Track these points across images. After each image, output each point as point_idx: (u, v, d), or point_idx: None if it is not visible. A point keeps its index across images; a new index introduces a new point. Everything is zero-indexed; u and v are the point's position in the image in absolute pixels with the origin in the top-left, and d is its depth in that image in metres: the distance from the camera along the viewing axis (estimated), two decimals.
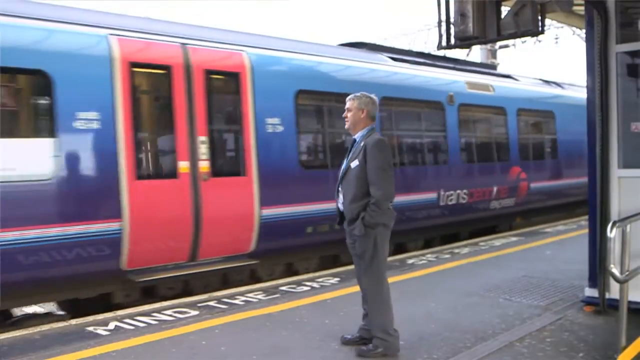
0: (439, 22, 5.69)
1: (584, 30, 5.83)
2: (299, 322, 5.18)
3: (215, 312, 5.57)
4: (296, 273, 7.91)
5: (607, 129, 5.25)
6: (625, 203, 5.17)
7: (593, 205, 5.36)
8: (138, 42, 6.43)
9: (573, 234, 10.29)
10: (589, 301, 5.43)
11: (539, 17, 5.34)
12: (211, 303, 5.95)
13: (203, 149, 6.68)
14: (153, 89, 6.78)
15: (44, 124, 5.77)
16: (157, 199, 6.31)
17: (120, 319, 5.42)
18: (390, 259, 9.35)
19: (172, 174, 6.50)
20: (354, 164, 4.23)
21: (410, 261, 8.09)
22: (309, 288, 6.54)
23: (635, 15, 5.55)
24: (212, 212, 6.68)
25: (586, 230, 5.64)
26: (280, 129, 7.50)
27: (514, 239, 10.00)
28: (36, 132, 5.80)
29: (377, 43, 10.80)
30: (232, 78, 7.17)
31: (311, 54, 8.31)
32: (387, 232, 4.23)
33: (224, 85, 7.28)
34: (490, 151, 11.07)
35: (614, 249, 4.01)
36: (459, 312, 5.44)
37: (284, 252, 7.80)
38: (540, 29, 5.38)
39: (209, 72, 6.88)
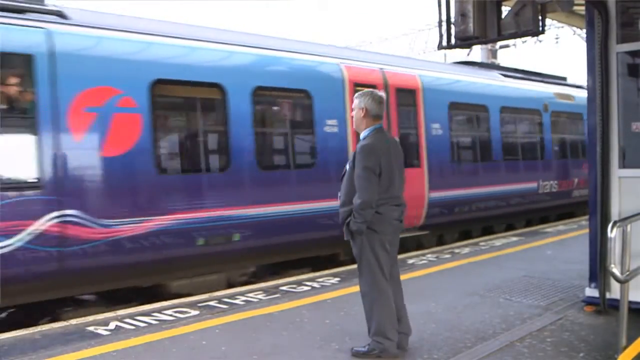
0: (440, 22, 5.69)
1: (584, 30, 5.83)
2: (299, 322, 5.18)
3: (216, 312, 5.57)
4: (444, 243, 10.31)
5: (607, 129, 5.24)
6: (626, 203, 5.17)
7: (593, 205, 5.36)
8: (356, 69, 8.83)
9: (573, 233, 10.29)
10: (589, 301, 5.43)
11: (540, 17, 5.34)
12: (211, 303, 5.95)
13: None
14: None
15: (307, 126, 8.15)
16: None
17: (120, 318, 5.43)
18: None
19: None
20: (347, 167, 4.21)
21: (410, 261, 8.09)
22: (309, 288, 6.54)
23: (636, 15, 5.55)
24: None
25: (586, 230, 5.64)
26: (440, 132, 9.97)
27: (514, 239, 10.00)
28: (305, 133, 8.20)
29: (485, 62, 14.22)
30: (412, 94, 9.61)
31: (456, 74, 11.10)
32: (380, 237, 4.14)
33: (406, 99, 9.55)
34: (573, 149, 13.57)
35: (615, 248, 4.00)
36: (459, 312, 5.44)
37: (440, 226, 10.10)
38: (540, 29, 5.38)
39: (398, 90, 9.30)
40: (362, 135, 4.29)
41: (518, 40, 20.34)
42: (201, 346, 4.56)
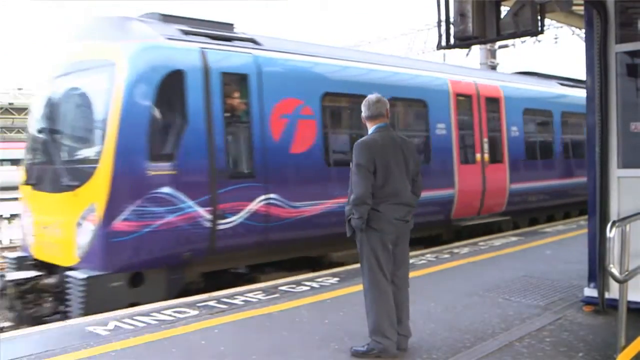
0: (439, 22, 5.68)
1: (583, 30, 5.83)
2: (298, 322, 5.18)
3: (215, 312, 5.57)
4: (518, 227, 12.00)
5: (606, 129, 5.24)
6: (625, 203, 5.17)
7: (592, 205, 5.36)
8: (457, 82, 10.74)
9: (572, 233, 10.29)
10: (588, 301, 5.43)
11: (539, 17, 5.34)
12: (211, 303, 5.95)
13: (486, 146, 11.07)
14: (464, 110, 10.80)
15: (424, 129, 10.04)
16: (468, 176, 10.57)
17: (119, 318, 5.42)
18: None
19: (474, 161, 10.84)
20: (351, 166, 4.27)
21: (409, 261, 8.07)
22: (308, 288, 6.54)
23: (635, 15, 5.55)
24: (490, 185, 11.00)
25: (586, 230, 5.65)
26: (517, 133, 11.88)
27: (513, 238, 10.00)
28: (423, 135, 10.06)
29: (546, 73, 15.09)
30: (496, 102, 11.53)
31: (527, 84, 12.92)
32: (380, 235, 4.16)
33: (492, 107, 11.43)
34: None
35: (614, 248, 4.00)
36: (458, 312, 5.44)
37: (516, 213, 11.90)
38: (539, 29, 5.38)
39: (486, 99, 11.26)
40: None
41: (517, 40, 20.35)
42: (200, 346, 4.56)
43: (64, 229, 6.85)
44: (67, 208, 6.80)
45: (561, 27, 21.04)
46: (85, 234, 6.53)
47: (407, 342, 4.37)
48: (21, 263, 7.57)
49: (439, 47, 5.84)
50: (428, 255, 8.52)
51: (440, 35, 5.71)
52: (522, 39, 17.32)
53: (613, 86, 5.26)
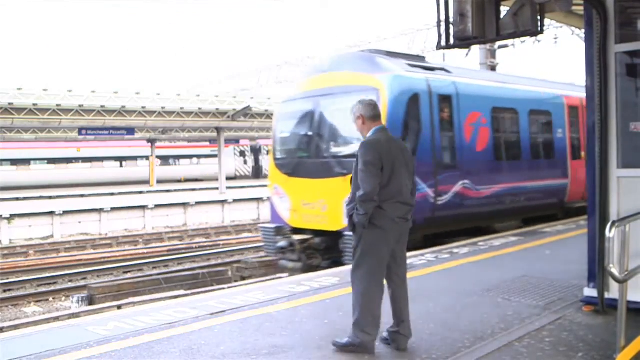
0: (439, 22, 5.68)
1: (583, 30, 5.83)
2: (298, 322, 5.18)
3: (215, 312, 5.57)
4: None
5: (606, 129, 5.25)
6: (625, 203, 5.17)
7: (592, 205, 5.37)
8: (569, 97, 13.54)
9: (572, 233, 10.29)
10: (588, 301, 5.44)
11: (538, 17, 5.34)
12: (210, 303, 5.95)
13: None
14: (574, 116, 13.58)
15: (549, 133, 13.02)
16: (577, 169, 13.15)
17: (119, 319, 5.43)
18: None
19: (580, 157, 13.33)
20: (354, 167, 4.32)
21: (409, 261, 8.06)
22: (308, 288, 6.54)
23: (635, 15, 5.56)
24: (573, 177, 13.26)
25: (585, 230, 5.65)
26: None
27: (513, 238, 10.00)
28: (548, 137, 13.03)
29: None
30: (579, 110, 13.87)
31: None
32: (382, 232, 4.21)
33: (575, 114, 13.80)
34: None
35: (613, 248, 4.00)
36: (458, 312, 5.44)
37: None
38: (539, 29, 5.38)
39: (570, 107, 13.58)
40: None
41: (517, 40, 20.36)
42: (200, 346, 4.56)
43: (333, 204, 9.33)
44: (336, 189, 9.21)
45: (561, 27, 21.06)
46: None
47: (407, 342, 4.39)
48: (279, 231, 10.25)
49: (439, 47, 5.85)
50: (428, 255, 8.52)
51: (440, 35, 5.71)
52: (522, 39, 17.33)
53: (613, 86, 5.26)
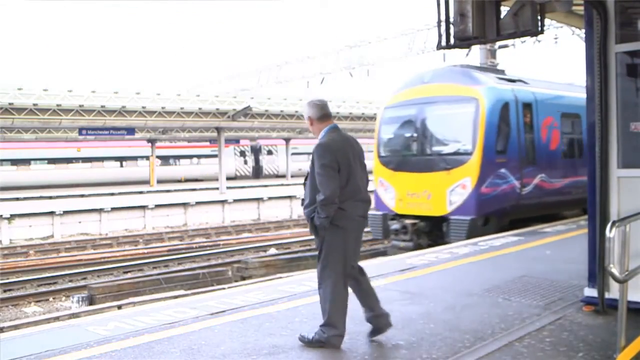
0: (439, 22, 5.68)
1: (583, 30, 5.83)
2: (299, 322, 5.18)
3: (215, 312, 5.57)
4: None
5: (606, 129, 5.24)
6: (625, 203, 5.17)
7: (592, 205, 5.36)
8: None
9: (572, 233, 10.29)
10: (588, 301, 5.44)
11: (539, 17, 5.34)
12: (210, 303, 5.95)
13: None
14: None
15: (576, 136, 13.73)
16: None
17: (119, 319, 5.42)
18: (388, 258, 9.41)
19: None
20: (309, 169, 4.36)
21: (409, 261, 8.09)
22: (308, 288, 6.53)
23: (635, 15, 5.56)
24: None
25: (586, 230, 5.65)
26: None
27: (513, 238, 10.00)
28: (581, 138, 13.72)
29: None
30: None
31: None
32: (342, 232, 4.26)
33: None
34: None
35: (614, 248, 4.00)
36: (458, 312, 5.44)
37: None
38: (539, 29, 5.37)
39: None
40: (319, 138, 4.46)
41: (517, 40, 20.36)
42: (200, 346, 4.56)
43: (437, 193, 11.41)
44: (440, 181, 11.41)
45: (561, 27, 21.06)
46: (458, 196, 11.17)
47: (389, 318, 4.54)
48: (385, 217, 12.31)
49: (439, 47, 5.84)
50: (428, 255, 8.52)
51: (440, 35, 5.71)
52: (522, 39, 17.33)
53: (613, 86, 5.25)
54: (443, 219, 11.30)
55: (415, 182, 11.94)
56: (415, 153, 12.23)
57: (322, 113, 4.42)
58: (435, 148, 12.02)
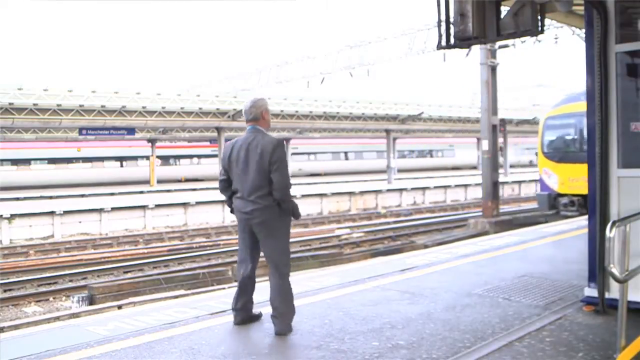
0: (439, 22, 5.68)
1: (583, 30, 5.83)
2: (298, 322, 5.17)
3: (215, 312, 5.57)
4: None
5: (606, 129, 5.25)
6: (625, 203, 5.17)
7: (593, 205, 5.37)
8: None
9: (573, 233, 10.30)
10: (588, 301, 5.44)
11: (539, 17, 5.34)
12: (210, 303, 5.95)
13: None
14: None
15: None
16: None
17: (120, 319, 5.42)
18: (388, 258, 9.42)
19: None
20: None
21: (409, 261, 8.09)
22: (308, 288, 6.54)
23: (635, 15, 5.56)
24: None
25: (586, 230, 5.65)
26: None
27: (513, 238, 10.01)
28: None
29: None
30: None
31: None
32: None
33: None
34: None
35: (614, 248, 4.00)
36: (458, 312, 5.44)
37: None
38: (539, 29, 5.38)
39: None
40: None
41: (517, 40, 20.33)
42: (200, 346, 4.56)
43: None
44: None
45: (561, 27, 21.06)
46: None
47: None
48: (549, 196, 16.42)
49: (439, 47, 5.85)
50: (428, 255, 8.52)
51: (440, 35, 5.71)
52: (522, 39, 17.34)
53: (613, 86, 5.26)
54: None
55: (576, 171, 15.50)
56: (574, 150, 16.40)
57: (244, 117, 5.03)
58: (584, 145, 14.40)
